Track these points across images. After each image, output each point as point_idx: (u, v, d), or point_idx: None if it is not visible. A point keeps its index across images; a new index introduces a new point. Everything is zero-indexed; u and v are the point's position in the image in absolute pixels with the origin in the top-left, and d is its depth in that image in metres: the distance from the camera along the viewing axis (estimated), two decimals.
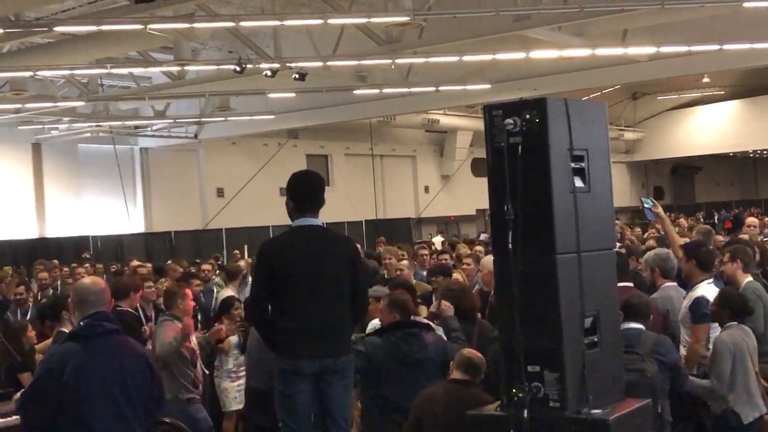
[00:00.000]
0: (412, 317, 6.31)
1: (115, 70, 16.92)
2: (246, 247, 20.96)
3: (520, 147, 4.07)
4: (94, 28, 11.85)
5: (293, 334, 5.29)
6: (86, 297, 4.26)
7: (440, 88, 19.11)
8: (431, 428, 5.20)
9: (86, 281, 4.48)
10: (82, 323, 4.22)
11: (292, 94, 19.30)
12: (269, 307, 5.43)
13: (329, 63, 15.49)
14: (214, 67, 16.24)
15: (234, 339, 8.60)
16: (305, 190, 5.52)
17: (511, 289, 4.06)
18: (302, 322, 5.26)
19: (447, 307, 6.61)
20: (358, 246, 6.28)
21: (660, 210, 7.99)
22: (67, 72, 16.27)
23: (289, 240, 5.53)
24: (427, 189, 35.24)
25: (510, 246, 4.06)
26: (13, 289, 10.94)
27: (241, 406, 8.46)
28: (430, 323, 6.47)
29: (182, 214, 26.93)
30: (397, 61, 15.95)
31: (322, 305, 5.31)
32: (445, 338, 6.30)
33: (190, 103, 22.35)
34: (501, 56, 15.28)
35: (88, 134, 23.88)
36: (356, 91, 19.48)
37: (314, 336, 5.25)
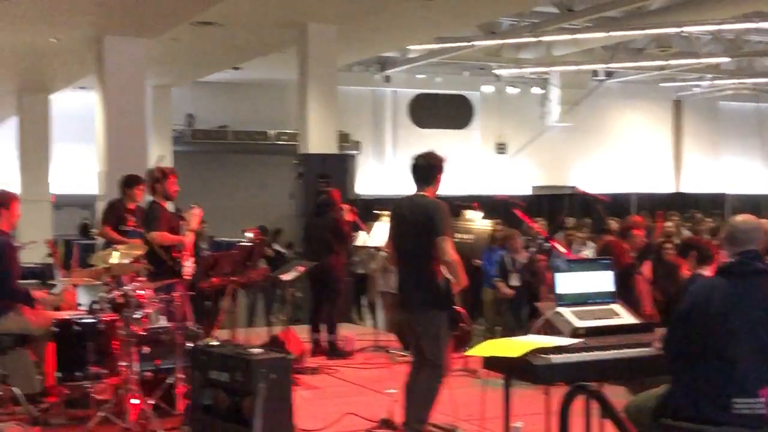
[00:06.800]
0: None
1: (763, 25, 16.39)
2: None
3: None
4: None
5: None
6: (736, 234, 4.29)
7: None
8: None
9: (738, 218, 4.47)
10: (731, 260, 4.26)
11: None
12: None
13: None
14: None
15: None
16: None
17: None
18: None
19: None
20: None
21: None
22: (713, 27, 16.22)
23: None
24: None
25: None
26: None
27: None
28: None
29: None
30: None
31: None
32: None
33: None
34: None
35: (730, 91, 23.65)
36: None
37: None
